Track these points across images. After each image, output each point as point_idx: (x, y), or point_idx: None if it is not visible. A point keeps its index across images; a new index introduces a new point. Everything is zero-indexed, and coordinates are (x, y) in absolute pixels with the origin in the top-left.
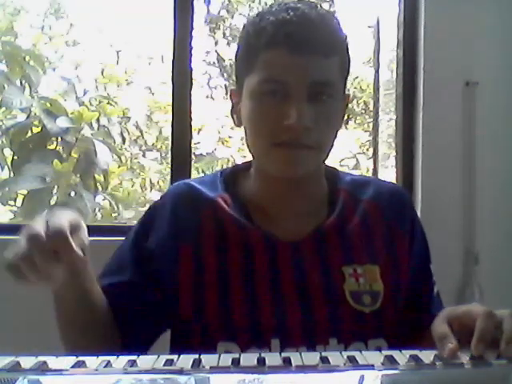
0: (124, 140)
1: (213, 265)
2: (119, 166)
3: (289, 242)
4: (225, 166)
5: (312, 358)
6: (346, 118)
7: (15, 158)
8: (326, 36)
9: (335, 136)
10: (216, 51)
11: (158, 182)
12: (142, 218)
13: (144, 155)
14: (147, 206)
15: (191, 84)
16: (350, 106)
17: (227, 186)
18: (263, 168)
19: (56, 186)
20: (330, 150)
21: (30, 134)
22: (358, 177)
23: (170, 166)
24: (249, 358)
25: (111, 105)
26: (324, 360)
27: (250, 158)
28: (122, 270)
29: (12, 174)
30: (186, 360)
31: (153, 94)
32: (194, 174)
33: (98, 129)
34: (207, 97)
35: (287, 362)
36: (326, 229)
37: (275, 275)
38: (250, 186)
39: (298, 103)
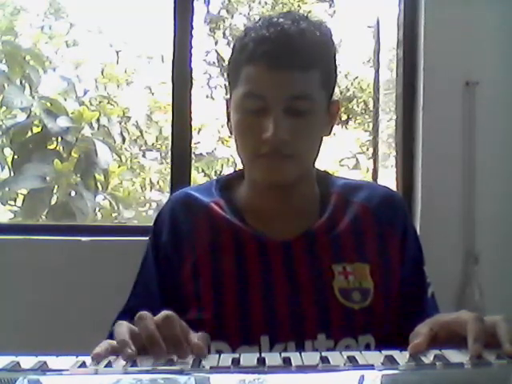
0: (124, 140)
1: (207, 264)
2: (119, 166)
3: (280, 241)
4: (225, 166)
5: (312, 357)
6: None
7: (15, 157)
8: (303, 50)
9: (320, 143)
10: (216, 51)
11: (157, 182)
12: (151, 233)
13: (144, 155)
14: (147, 205)
15: (191, 84)
16: (349, 105)
17: (222, 192)
18: (251, 175)
19: (56, 186)
20: (315, 157)
21: (30, 133)
22: (353, 181)
23: (170, 165)
24: (249, 358)
25: (111, 105)
26: (324, 360)
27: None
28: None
29: (12, 174)
30: (186, 360)
31: (153, 93)
32: (194, 174)
33: (98, 129)
34: (207, 97)
35: (287, 361)
36: (316, 229)
37: (266, 273)
38: (244, 190)
39: (276, 117)
